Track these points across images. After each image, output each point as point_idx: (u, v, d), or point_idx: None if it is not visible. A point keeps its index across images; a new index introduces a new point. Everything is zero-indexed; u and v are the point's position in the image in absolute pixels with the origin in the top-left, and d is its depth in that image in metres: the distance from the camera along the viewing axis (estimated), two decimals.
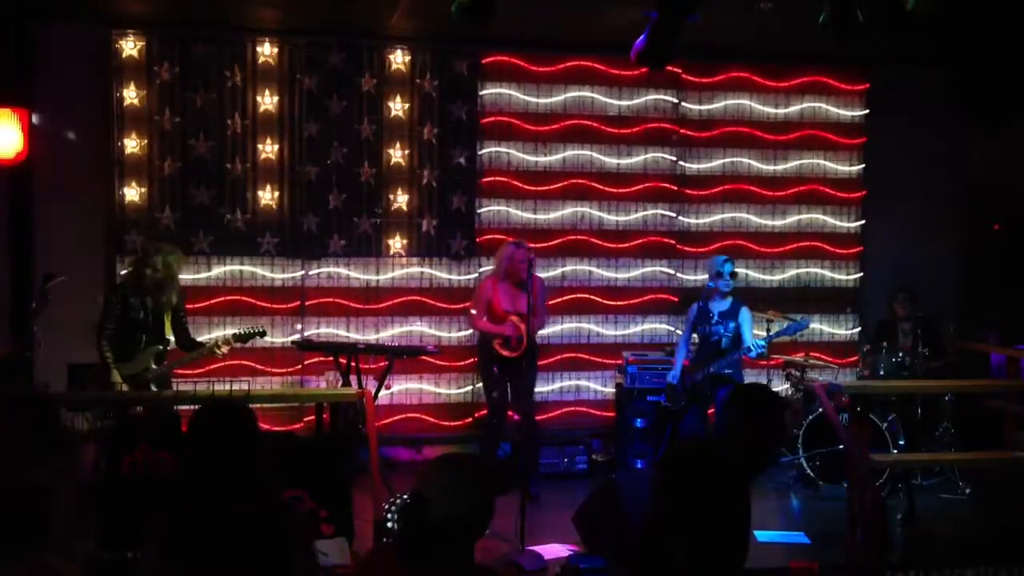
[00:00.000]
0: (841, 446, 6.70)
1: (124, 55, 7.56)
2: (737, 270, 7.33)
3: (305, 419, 7.66)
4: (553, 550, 5.80)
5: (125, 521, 5.23)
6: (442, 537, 2.78)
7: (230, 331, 6.73)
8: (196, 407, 3.25)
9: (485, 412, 7.53)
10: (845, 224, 8.95)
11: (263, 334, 6.75)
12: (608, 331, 8.43)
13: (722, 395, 6.70)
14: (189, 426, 3.15)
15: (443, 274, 8.20)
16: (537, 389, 7.82)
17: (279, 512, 2.98)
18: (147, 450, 5.43)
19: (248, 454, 3.04)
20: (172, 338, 6.39)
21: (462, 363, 8.20)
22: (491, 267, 8.17)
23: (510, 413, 7.28)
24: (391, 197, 8.04)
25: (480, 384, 8.19)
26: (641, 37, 5.66)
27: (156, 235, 7.49)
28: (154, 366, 6.24)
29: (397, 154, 8.04)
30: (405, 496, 4.55)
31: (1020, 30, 7.21)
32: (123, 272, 7.07)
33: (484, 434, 7.40)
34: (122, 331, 6.17)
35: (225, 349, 6.40)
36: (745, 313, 7.10)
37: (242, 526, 2.82)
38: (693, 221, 8.67)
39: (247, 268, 7.87)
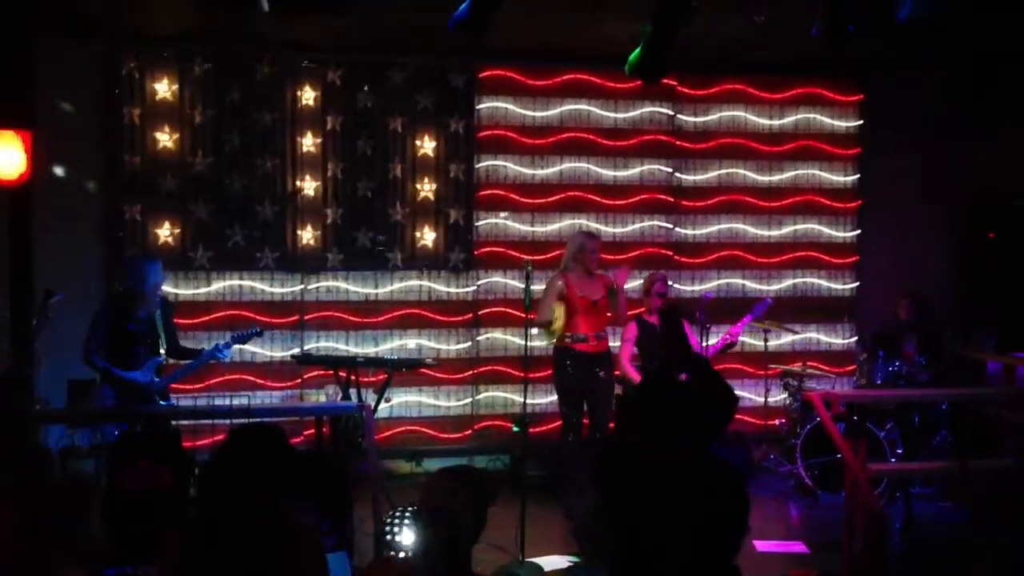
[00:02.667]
0: (839, 455, 6.71)
1: (126, 73, 7.62)
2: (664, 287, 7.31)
3: (305, 433, 7.68)
4: (552, 561, 5.82)
5: (126, 536, 5.25)
6: (450, 547, 2.84)
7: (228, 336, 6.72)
8: (230, 428, 3.21)
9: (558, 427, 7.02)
10: (841, 234, 9.00)
11: (260, 334, 6.76)
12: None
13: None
14: (223, 447, 3.08)
15: (441, 287, 8.23)
16: (536, 401, 7.83)
17: (300, 537, 3.01)
18: (148, 465, 5.45)
19: (280, 480, 3.01)
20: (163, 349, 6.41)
21: (461, 375, 8.23)
22: (487, 280, 8.26)
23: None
24: (389, 211, 8.08)
25: (471, 397, 8.24)
26: (636, 50, 5.72)
27: (156, 251, 7.57)
28: (156, 379, 6.25)
29: (395, 168, 8.09)
30: (415, 510, 4.57)
31: (1013, 34, 7.26)
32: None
33: (561, 455, 6.90)
34: (121, 345, 6.17)
35: (227, 353, 6.43)
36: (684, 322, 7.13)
37: (264, 551, 2.85)
38: (690, 232, 8.71)
39: (246, 283, 7.91)
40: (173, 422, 6.25)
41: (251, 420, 4.94)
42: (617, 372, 6.99)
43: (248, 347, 7.80)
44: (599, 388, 6.82)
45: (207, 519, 2.97)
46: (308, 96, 7.93)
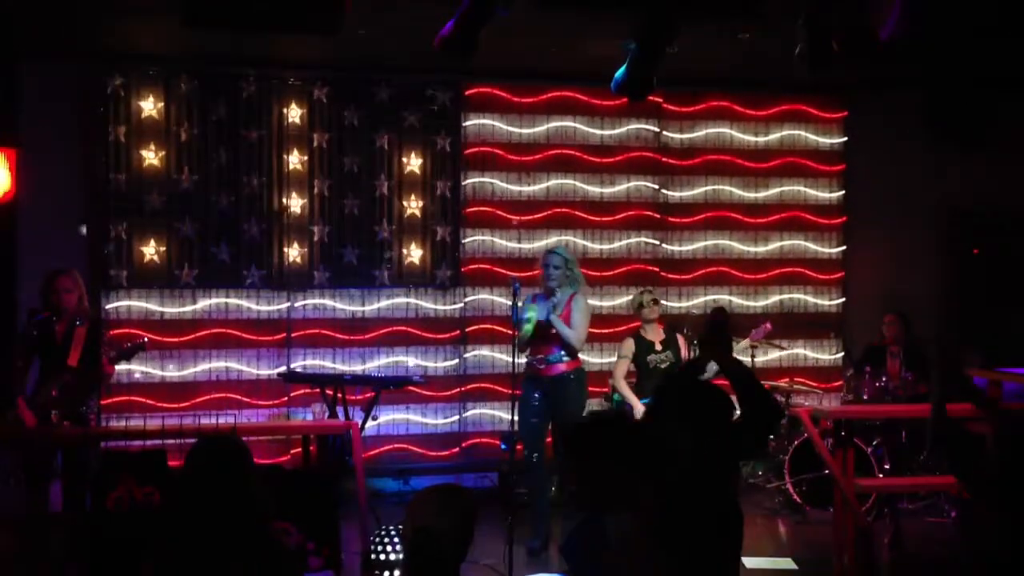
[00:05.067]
0: (827, 471, 6.72)
1: (111, 92, 7.59)
2: (656, 299, 7.29)
3: (292, 451, 7.64)
4: None
5: (113, 559, 5.21)
6: (437, 566, 2.84)
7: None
8: (193, 442, 3.25)
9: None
10: (827, 250, 9.04)
11: (143, 347, 6.64)
12: (594, 359, 8.44)
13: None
14: (186, 461, 3.14)
15: (428, 304, 8.22)
16: None
17: (272, 547, 3.01)
18: (133, 485, 5.41)
19: (245, 489, 3.04)
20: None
21: (448, 393, 8.21)
22: (475, 297, 8.26)
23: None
24: (375, 228, 8.07)
25: (459, 415, 8.22)
26: (621, 68, 5.74)
27: (142, 270, 7.55)
28: (54, 394, 6.21)
29: (382, 185, 8.09)
30: (403, 529, 4.56)
31: (995, 54, 7.32)
32: None
33: (527, 479, 6.70)
34: (39, 358, 6.16)
35: (112, 368, 6.33)
36: (680, 339, 7.13)
37: (236, 561, 2.84)
38: (676, 248, 8.74)
39: (232, 301, 7.88)
40: (161, 440, 6.21)
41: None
42: (606, 389, 6.95)
43: (234, 365, 7.79)
44: (558, 412, 6.50)
45: (175, 536, 3.01)
46: (294, 114, 7.93)
